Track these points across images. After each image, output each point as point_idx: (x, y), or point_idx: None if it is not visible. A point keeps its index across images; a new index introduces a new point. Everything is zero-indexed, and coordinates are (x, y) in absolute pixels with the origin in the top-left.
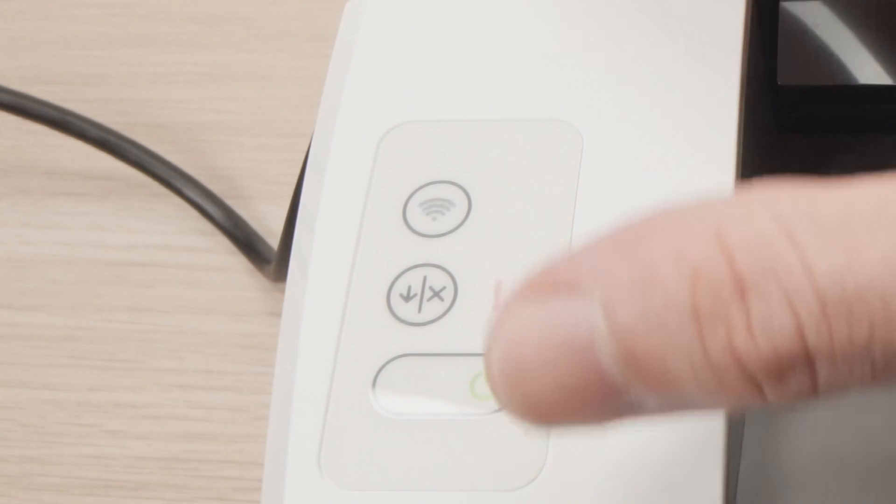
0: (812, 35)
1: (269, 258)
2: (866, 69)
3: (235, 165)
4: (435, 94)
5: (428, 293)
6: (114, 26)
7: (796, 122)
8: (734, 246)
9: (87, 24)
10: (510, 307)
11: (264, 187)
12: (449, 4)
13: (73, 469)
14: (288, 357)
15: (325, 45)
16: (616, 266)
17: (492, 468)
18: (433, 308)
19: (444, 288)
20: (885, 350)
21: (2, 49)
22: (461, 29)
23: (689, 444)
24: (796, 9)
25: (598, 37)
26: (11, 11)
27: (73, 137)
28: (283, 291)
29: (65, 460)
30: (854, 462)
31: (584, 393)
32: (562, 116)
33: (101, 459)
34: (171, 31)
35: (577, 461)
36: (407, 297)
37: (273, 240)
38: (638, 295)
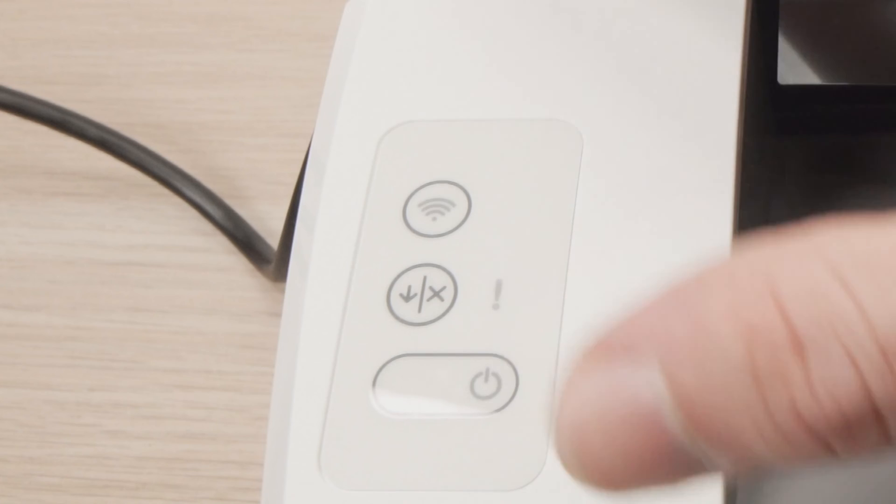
0: (812, 35)
1: (269, 258)
2: (866, 69)
3: (235, 165)
4: (435, 94)
5: (428, 293)
6: (114, 26)
7: (796, 122)
8: (787, 300)
9: (87, 24)
10: (572, 379)
11: (264, 187)
12: (449, 4)
13: (73, 469)
14: (288, 357)
15: (325, 45)
16: (673, 328)
17: (492, 468)
18: (433, 308)
19: (444, 288)
20: None
21: (2, 49)
22: (461, 29)
23: None
24: (796, 9)
25: (597, 37)
26: (11, 11)
27: (73, 137)
28: (283, 291)
29: (65, 460)
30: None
31: (654, 458)
32: (562, 116)
33: (100, 459)
34: (171, 31)
35: None
36: (407, 297)
37: (273, 240)
38: (697, 357)
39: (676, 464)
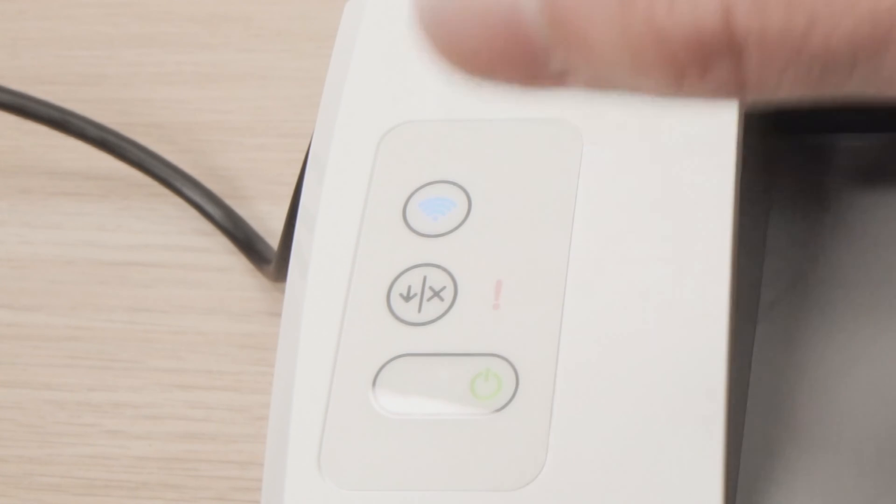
0: None
1: (268, 258)
2: None
3: (235, 165)
4: (435, 93)
5: (428, 293)
6: (114, 26)
7: (796, 122)
8: None
9: (87, 24)
10: None
11: (264, 187)
12: None
13: (73, 469)
14: (288, 357)
15: (325, 45)
16: None
17: (492, 468)
18: (433, 308)
19: (444, 288)
20: (823, 46)
21: (2, 49)
22: None
23: (689, 443)
24: None
25: None
26: (12, 11)
27: (73, 137)
28: (283, 291)
29: (64, 460)
30: (859, 448)
31: (512, 53)
32: (562, 116)
33: (100, 459)
34: (171, 31)
35: (577, 461)
36: (407, 297)
37: (273, 240)
38: None
39: (533, 63)
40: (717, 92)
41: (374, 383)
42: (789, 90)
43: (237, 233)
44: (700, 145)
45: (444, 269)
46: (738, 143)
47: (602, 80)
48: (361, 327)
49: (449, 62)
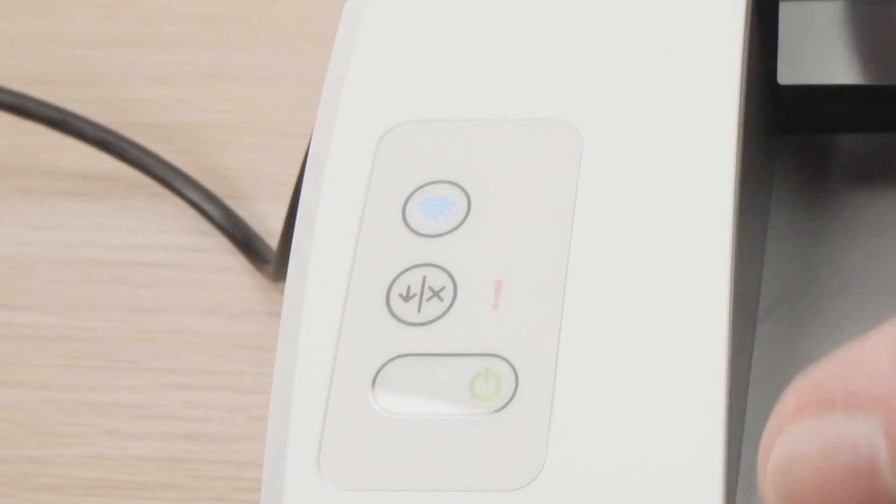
0: (812, 35)
1: (268, 258)
2: (866, 69)
3: (235, 165)
4: (435, 94)
5: (427, 293)
6: (113, 26)
7: (796, 122)
8: None
9: (86, 23)
10: (782, 418)
11: (264, 187)
12: (448, 4)
13: (72, 469)
14: (287, 357)
15: (325, 45)
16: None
17: (492, 468)
18: (433, 308)
19: (443, 288)
20: None
21: (1, 49)
22: (461, 28)
23: (689, 443)
24: (796, 9)
25: (598, 37)
26: (11, 11)
27: (72, 137)
28: (282, 291)
29: (64, 460)
30: None
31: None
32: (562, 116)
33: (99, 460)
34: (170, 30)
35: (577, 461)
36: (406, 297)
37: (272, 240)
38: None
39: None
40: None
41: (373, 383)
42: None
43: (236, 233)
44: (700, 145)
45: (444, 270)
46: (738, 143)
47: None
48: (361, 327)
49: None
